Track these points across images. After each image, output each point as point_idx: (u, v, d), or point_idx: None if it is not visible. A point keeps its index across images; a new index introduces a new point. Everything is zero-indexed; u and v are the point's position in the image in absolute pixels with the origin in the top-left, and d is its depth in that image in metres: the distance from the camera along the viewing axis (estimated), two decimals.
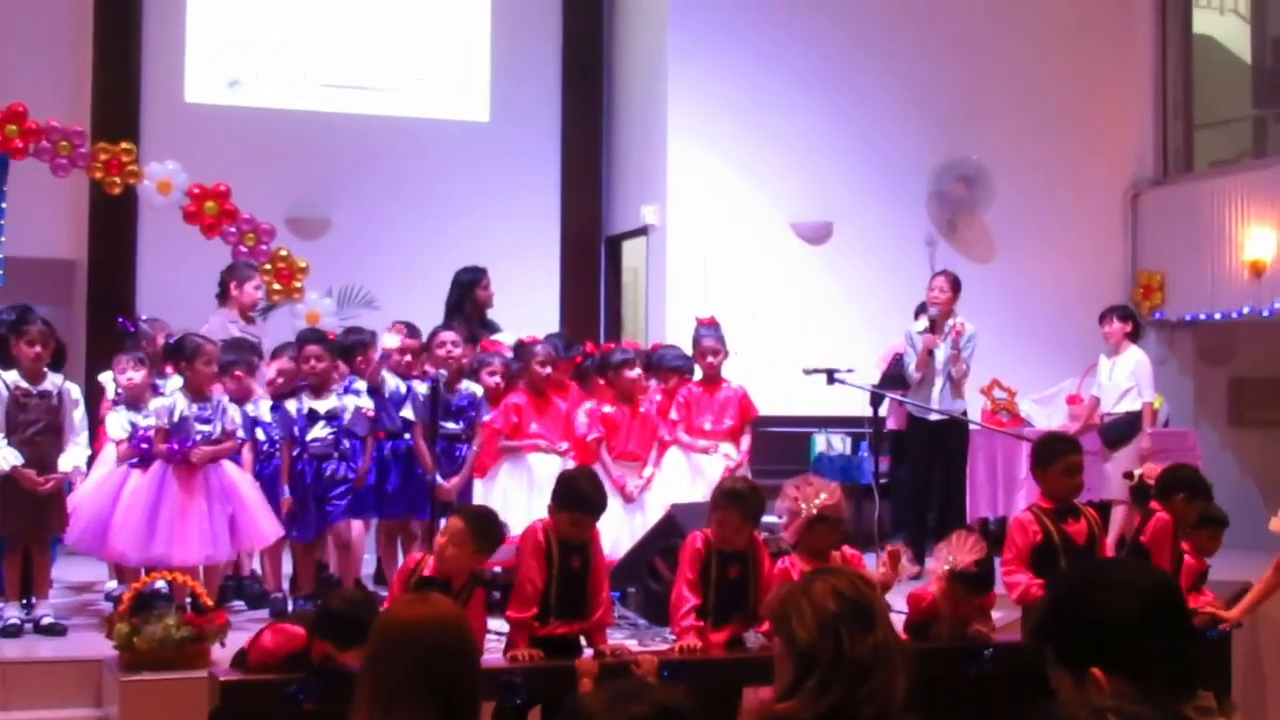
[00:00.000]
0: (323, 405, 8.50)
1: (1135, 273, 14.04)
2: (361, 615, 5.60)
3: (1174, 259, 13.77)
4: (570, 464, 8.93)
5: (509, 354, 9.44)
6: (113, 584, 8.71)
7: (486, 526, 6.24)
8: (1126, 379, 11.02)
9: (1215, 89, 14.94)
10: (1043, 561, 6.83)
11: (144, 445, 7.98)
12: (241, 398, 8.48)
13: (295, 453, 8.46)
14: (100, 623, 7.22)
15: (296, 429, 8.44)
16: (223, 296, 9.93)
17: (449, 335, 8.99)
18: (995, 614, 7.14)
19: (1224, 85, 15.12)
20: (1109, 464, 10.69)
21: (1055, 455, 7.07)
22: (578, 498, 6.52)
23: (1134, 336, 11.24)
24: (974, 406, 11.55)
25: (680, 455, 9.37)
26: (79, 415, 7.90)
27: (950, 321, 10.52)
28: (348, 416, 8.53)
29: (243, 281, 9.92)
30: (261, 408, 8.54)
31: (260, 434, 8.51)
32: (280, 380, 8.69)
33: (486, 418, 8.87)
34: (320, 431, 8.47)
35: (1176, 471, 7.69)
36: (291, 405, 8.48)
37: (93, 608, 8.62)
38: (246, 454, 8.38)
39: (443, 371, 8.60)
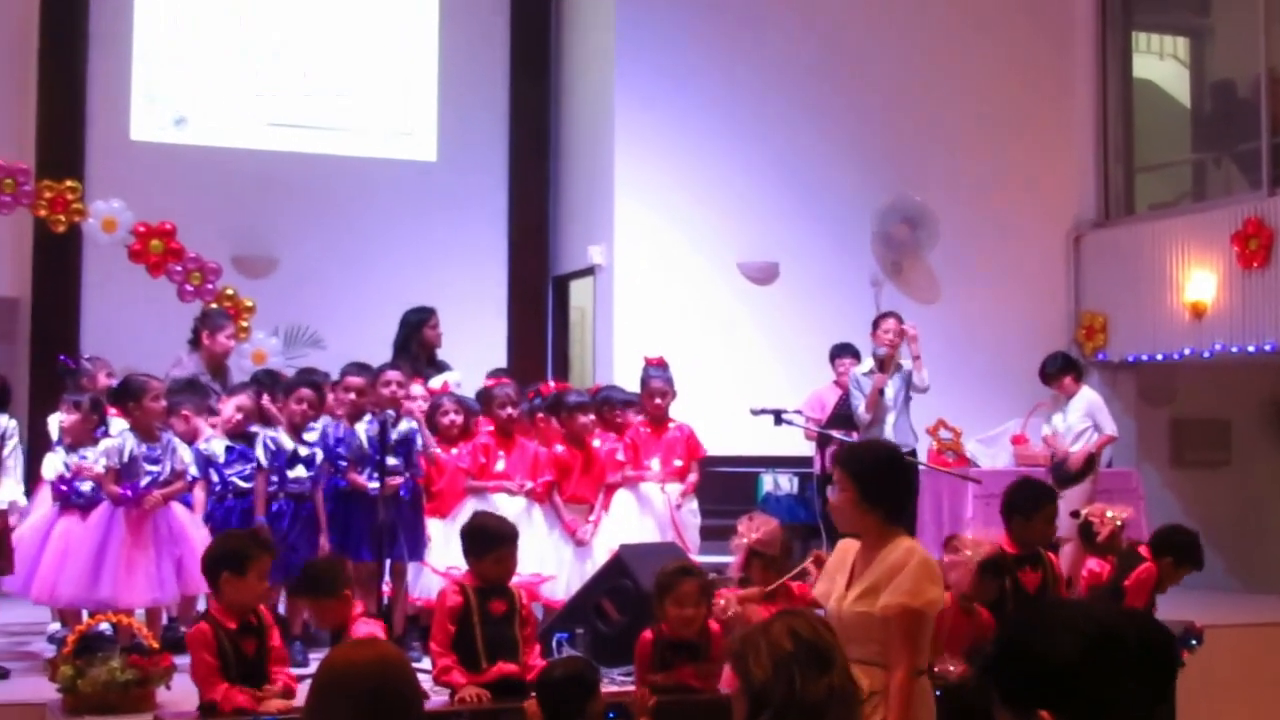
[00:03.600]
0: (303, 447, 8.45)
1: (1078, 314, 14.16)
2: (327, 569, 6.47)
3: (1116, 300, 13.92)
4: (534, 504, 8.96)
5: (458, 392, 9.45)
6: (56, 626, 8.60)
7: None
8: (1080, 420, 11.12)
9: (1155, 133, 15.13)
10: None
11: (63, 487, 7.89)
12: (189, 438, 8.41)
13: (272, 489, 8.35)
14: (43, 665, 7.14)
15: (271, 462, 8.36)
16: (195, 343, 9.86)
17: (393, 375, 9.02)
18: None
19: (1164, 129, 15.31)
20: (1060, 502, 10.73)
21: (1040, 503, 7.11)
22: (489, 535, 6.64)
23: (1078, 379, 11.36)
24: (920, 447, 11.59)
25: (629, 496, 9.35)
26: (12, 452, 7.82)
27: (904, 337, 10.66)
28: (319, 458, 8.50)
29: (215, 331, 9.85)
30: (215, 446, 8.43)
31: (214, 475, 8.39)
32: (239, 418, 8.55)
33: (435, 450, 8.88)
34: (300, 472, 8.42)
35: (1175, 535, 7.73)
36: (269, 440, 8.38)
37: (34, 650, 8.50)
38: (199, 494, 8.31)
39: (390, 412, 8.58)
